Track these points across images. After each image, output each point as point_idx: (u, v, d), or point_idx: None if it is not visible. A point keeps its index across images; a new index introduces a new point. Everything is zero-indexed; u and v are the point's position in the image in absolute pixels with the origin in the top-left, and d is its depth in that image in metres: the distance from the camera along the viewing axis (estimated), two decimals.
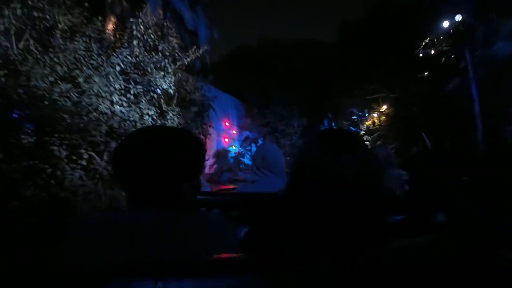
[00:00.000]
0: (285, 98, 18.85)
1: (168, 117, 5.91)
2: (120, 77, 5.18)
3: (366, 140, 18.83)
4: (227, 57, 27.60)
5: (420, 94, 15.52)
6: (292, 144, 18.43)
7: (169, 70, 6.31)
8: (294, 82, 19.94)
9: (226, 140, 22.19)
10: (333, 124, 20.88)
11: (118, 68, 5.26)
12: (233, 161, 20.52)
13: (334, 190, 0.74)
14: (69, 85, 4.48)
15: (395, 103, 18.09)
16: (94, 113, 4.54)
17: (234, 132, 23.43)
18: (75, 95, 4.48)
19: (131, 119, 5.15)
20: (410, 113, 16.57)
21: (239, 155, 20.68)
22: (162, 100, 6.16)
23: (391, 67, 16.81)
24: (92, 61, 5.09)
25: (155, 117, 5.70)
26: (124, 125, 5.08)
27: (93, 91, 4.65)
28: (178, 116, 6.49)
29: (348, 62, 20.37)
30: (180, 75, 7.12)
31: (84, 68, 4.86)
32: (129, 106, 5.18)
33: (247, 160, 22.08)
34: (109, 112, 4.80)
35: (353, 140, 0.84)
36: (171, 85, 6.32)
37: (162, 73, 6.03)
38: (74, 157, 4.75)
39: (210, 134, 10.29)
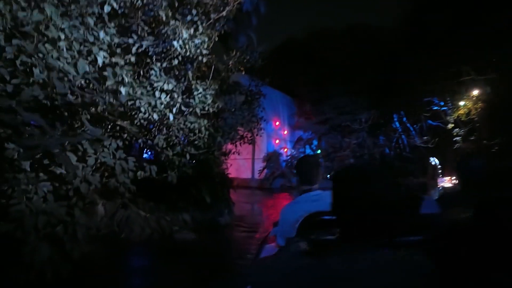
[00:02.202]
0: (345, 89, 15.64)
1: (197, 97, 3.73)
2: (110, 24, 3.08)
3: (458, 135, 14.77)
4: (273, 52, 25.39)
5: None
6: (359, 144, 15.12)
7: (200, 28, 4.06)
8: (354, 70, 16.63)
9: (277, 141, 19.84)
10: (404, 119, 17.09)
11: (106, 8, 3.17)
12: (285, 165, 18.02)
13: None
14: None
15: (493, 87, 13.80)
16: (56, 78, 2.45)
17: (286, 132, 20.96)
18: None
19: (135, 95, 3.04)
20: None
21: (293, 158, 17.99)
22: (189, 72, 3.96)
23: (483, 40, 12.74)
24: None
25: (176, 95, 3.53)
26: (122, 106, 2.96)
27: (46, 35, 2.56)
28: (214, 98, 4.27)
29: (421, 40, 16.47)
30: (217, 38, 4.95)
31: None
32: (128, 72, 3.09)
33: None
34: (88, 79, 2.72)
35: None
36: (203, 49, 4.08)
37: (188, 30, 3.80)
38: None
39: (262, 130, 7.91)
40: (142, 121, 3.58)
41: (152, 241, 4.63)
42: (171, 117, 3.54)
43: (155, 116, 3.42)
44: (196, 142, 4.29)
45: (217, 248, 4.59)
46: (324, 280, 0.67)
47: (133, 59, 3.41)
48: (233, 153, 8.72)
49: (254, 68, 6.68)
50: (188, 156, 4.38)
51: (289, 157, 18.48)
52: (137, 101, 3.19)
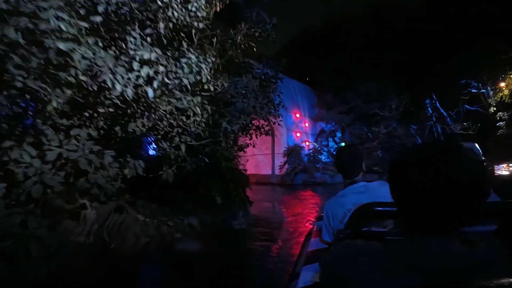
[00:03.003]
0: (372, 74, 14.18)
1: (187, 65, 2.80)
2: None
3: (501, 119, 12.91)
4: (290, 43, 24.39)
5: None
6: (389, 133, 13.64)
7: None
8: (380, 53, 15.12)
9: (298, 134, 18.70)
10: (437, 104, 15.36)
11: None
12: (307, 160, 16.88)
13: None
14: None
15: None
16: None
17: (307, 125, 19.77)
18: None
19: (97, 63, 2.19)
20: None
21: (315, 152, 16.84)
22: (183, 43, 3.05)
23: None
24: None
25: (161, 68, 2.65)
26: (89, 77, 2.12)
27: None
28: (215, 74, 3.34)
29: (453, 15, 14.77)
30: (220, 7, 4.01)
31: None
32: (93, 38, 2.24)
33: (324, 158, 18.20)
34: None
35: None
36: (199, 13, 3.16)
37: None
38: None
39: (280, 118, 6.90)
40: (115, 101, 2.74)
41: (147, 253, 3.79)
42: (150, 93, 2.66)
43: (129, 92, 2.56)
44: (193, 129, 3.38)
45: (225, 263, 3.63)
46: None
47: (98, 19, 2.54)
48: (248, 145, 7.80)
49: (267, 47, 5.69)
50: (183, 148, 3.49)
51: (311, 151, 17.33)
52: (105, 75, 2.35)
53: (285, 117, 18.89)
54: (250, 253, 4.01)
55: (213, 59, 3.27)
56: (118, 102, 2.74)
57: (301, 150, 16.76)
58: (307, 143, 18.16)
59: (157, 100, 2.79)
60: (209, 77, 3.09)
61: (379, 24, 17.53)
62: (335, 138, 19.13)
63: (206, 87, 3.23)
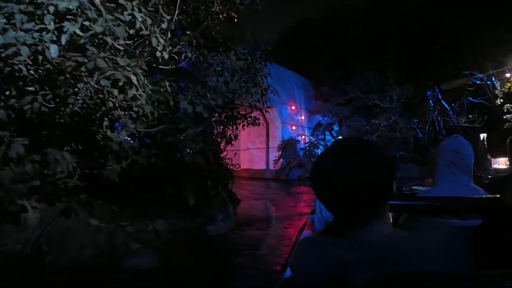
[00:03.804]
0: (372, 64, 13.33)
1: (129, 20, 1.96)
2: None
3: (508, 112, 12.13)
4: (287, 32, 23.40)
5: None
6: (389, 126, 12.83)
7: None
8: (380, 42, 14.22)
9: (293, 128, 17.85)
10: (439, 96, 14.54)
11: None
12: (303, 154, 16.06)
13: None
14: None
15: None
16: None
17: (303, 117, 18.90)
18: None
19: None
20: None
21: (311, 146, 16.03)
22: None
23: None
24: None
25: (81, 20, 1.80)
26: None
27: None
28: (168, 34, 2.46)
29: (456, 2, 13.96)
30: None
31: None
32: None
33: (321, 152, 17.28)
34: None
35: None
36: None
37: None
38: None
39: (269, 105, 6.03)
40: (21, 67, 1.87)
41: (84, 270, 2.96)
42: (53, 52, 1.81)
43: (23, 52, 1.70)
44: (135, 109, 2.52)
45: None
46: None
47: None
48: (235, 138, 6.97)
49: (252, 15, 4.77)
50: (124, 135, 2.63)
51: (307, 144, 16.51)
52: None
53: (280, 109, 18.04)
54: (222, 269, 3.18)
55: (168, 17, 2.40)
56: (24, 68, 1.89)
57: (296, 144, 15.95)
58: (303, 137, 17.34)
59: (60, 60, 1.94)
60: (161, 42, 2.22)
61: (380, 13, 16.59)
62: (332, 132, 18.34)
63: (159, 54, 2.37)
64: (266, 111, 6.27)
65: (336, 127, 17.66)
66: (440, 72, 13.76)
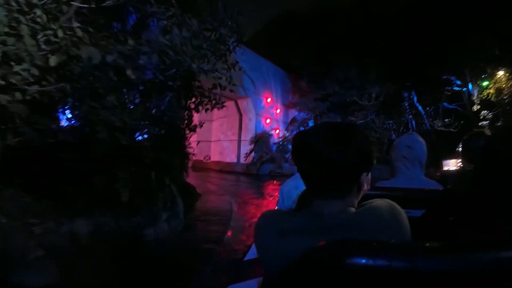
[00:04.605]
0: (352, 60, 12.88)
1: None
2: None
3: (485, 119, 12.24)
4: (270, 23, 22.61)
5: None
6: (366, 124, 12.47)
7: None
8: (362, 40, 13.86)
9: (268, 121, 17.10)
10: (415, 99, 14.50)
11: None
12: (275, 149, 15.40)
13: None
14: None
15: None
16: None
17: (278, 111, 18.19)
18: None
19: None
20: None
21: (285, 141, 15.40)
22: None
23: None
24: None
25: None
26: None
27: None
28: None
29: (438, 10, 13.92)
30: None
31: None
32: None
33: None
34: None
35: None
36: None
37: None
38: None
39: (234, 84, 5.12)
40: None
41: None
42: None
43: None
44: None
45: None
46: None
47: None
48: (199, 125, 6.07)
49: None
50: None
51: (280, 139, 15.86)
52: None
53: (255, 100, 17.19)
54: None
55: None
56: None
57: (270, 138, 15.24)
58: (277, 131, 16.67)
59: None
60: None
61: (365, 10, 16.23)
62: (307, 128, 17.85)
63: None
64: (231, 90, 5.35)
65: (311, 123, 17.16)
66: (419, 74, 13.68)
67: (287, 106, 18.41)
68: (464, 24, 12.73)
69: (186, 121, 5.78)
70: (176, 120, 5.55)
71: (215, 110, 5.75)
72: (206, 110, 5.60)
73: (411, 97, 14.76)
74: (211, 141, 19.19)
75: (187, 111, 5.63)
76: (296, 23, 20.34)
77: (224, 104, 6.05)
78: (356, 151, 0.72)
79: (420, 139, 1.61)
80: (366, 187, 0.79)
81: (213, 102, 5.73)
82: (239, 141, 16.85)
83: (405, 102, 14.60)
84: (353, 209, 0.75)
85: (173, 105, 4.98)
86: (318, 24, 17.88)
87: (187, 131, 5.93)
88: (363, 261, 0.52)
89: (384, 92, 12.29)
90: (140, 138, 4.39)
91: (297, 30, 19.29)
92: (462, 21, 12.78)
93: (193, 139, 6.45)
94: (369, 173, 0.79)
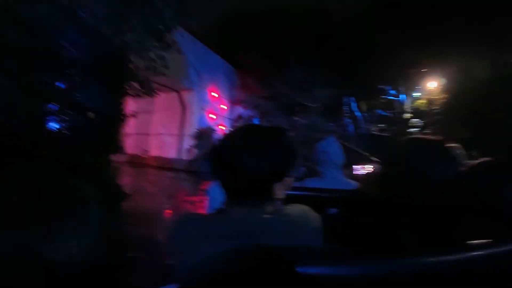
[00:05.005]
0: (301, 61, 13.14)
1: None
2: None
3: (415, 126, 13.54)
4: (223, 17, 22.20)
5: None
6: (310, 125, 12.77)
7: None
8: (313, 41, 14.22)
9: (213, 116, 16.39)
10: (354, 105, 15.47)
11: None
12: None
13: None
14: None
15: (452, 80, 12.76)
16: None
17: (224, 107, 17.62)
18: None
19: None
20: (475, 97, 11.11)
21: None
22: None
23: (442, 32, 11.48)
24: None
25: None
26: None
27: None
28: None
29: (379, 27, 14.98)
30: None
31: None
32: None
33: None
34: None
35: (445, 151, 0.91)
36: None
37: None
38: None
39: (167, 62, 4.41)
40: None
41: None
42: None
43: None
44: None
45: None
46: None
47: None
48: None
49: None
50: None
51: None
52: None
53: (200, 94, 16.36)
54: None
55: None
56: None
57: (213, 134, 14.59)
58: (222, 128, 16.11)
59: None
60: None
61: (319, 15, 16.71)
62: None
63: None
64: (166, 66, 4.61)
65: (256, 120, 17.05)
66: (359, 82, 14.54)
67: (233, 103, 17.97)
68: (401, 39, 13.80)
69: (117, 109, 4.87)
70: (104, 107, 4.61)
71: (157, 100, 5.03)
72: (138, 96, 4.79)
73: (351, 102, 15.68)
74: (150, 135, 17.73)
75: (118, 98, 4.75)
76: (249, 20, 20.08)
77: (158, 91, 5.30)
78: (272, 160, 0.73)
79: (336, 143, 1.73)
80: (283, 192, 0.78)
81: (146, 88, 4.92)
82: (181, 136, 15.86)
83: (345, 107, 15.46)
84: (266, 215, 0.76)
85: (97, 88, 4.08)
86: (271, 23, 17.83)
87: (121, 122, 5.02)
88: (270, 266, 0.51)
89: (327, 96, 12.75)
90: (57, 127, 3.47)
91: (250, 27, 19.02)
92: (399, 36, 13.85)
93: (131, 131, 5.57)
94: (290, 177, 0.78)
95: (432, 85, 13.43)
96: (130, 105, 5.44)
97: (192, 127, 15.19)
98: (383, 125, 13.80)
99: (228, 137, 0.79)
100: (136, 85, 4.65)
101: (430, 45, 12.87)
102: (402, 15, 14.04)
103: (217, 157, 0.76)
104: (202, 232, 0.72)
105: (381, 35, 14.38)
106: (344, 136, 14.54)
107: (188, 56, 13.21)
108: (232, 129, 0.82)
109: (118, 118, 5.16)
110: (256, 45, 16.46)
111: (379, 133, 13.53)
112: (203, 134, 14.37)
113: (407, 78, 14.39)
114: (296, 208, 0.80)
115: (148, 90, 4.92)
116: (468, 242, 0.58)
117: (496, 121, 9.93)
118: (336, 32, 15.47)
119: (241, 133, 0.78)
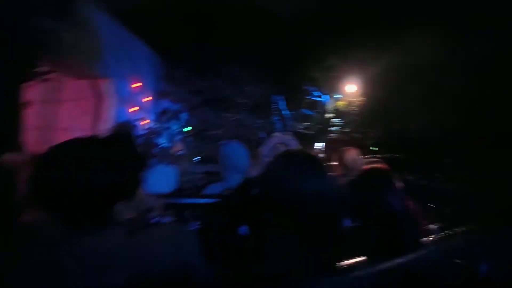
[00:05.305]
0: (234, 57, 12.96)
1: None
2: None
3: (336, 125, 14.53)
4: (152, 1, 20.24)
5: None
6: (237, 122, 12.65)
7: None
8: (247, 37, 14.14)
9: (134, 109, 14.84)
10: (281, 103, 15.98)
11: None
12: (141, 142, 13.53)
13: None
14: None
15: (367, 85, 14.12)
16: None
17: (148, 99, 16.15)
18: None
19: None
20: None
21: (151, 133, 13.81)
22: None
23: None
24: None
25: None
26: None
27: None
28: None
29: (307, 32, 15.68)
30: None
31: None
32: None
33: (164, 142, 15.38)
34: None
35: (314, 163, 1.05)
36: None
37: None
38: None
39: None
40: None
41: None
42: None
43: None
44: None
45: None
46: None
47: None
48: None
49: None
50: None
51: (147, 131, 14.13)
52: None
53: (119, 83, 14.59)
54: None
55: None
56: None
57: (133, 130, 13.24)
58: (145, 122, 14.78)
59: None
60: None
61: (257, 14, 16.56)
62: (180, 121, 16.82)
63: None
64: (79, 63, 3.76)
65: (184, 116, 16.24)
66: (287, 82, 14.99)
67: (160, 95, 16.69)
68: (327, 46, 14.60)
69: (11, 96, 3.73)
70: None
71: (66, 90, 4.09)
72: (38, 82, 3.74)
73: (279, 100, 16.12)
74: (58, 129, 15.22)
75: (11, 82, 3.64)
76: (182, 6, 18.87)
77: (48, 76, 4.29)
78: (105, 175, 0.67)
79: (240, 148, 1.73)
80: (134, 215, 0.71)
81: (35, 71, 3.94)
82: (95, 131, 14.02)
83: (273, 105, 15.84)
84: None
85: None
86: (206, 13, 17.10)
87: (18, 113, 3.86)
88: None
89: (257, 93, 12.81)
90: None
91: (183, 14, 17.94)
92: (326, 43, 14.65)
93: (33, 124, 4.48)
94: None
95: (352, 89, 14.57)
96: (30, 92, 4.38)
97: (108, 121, 13.50)
98: (308, 124, 14.57)
99: (52, 152, 0.71)
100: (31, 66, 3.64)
101: (351, 54, 13.92)
102: (330, 25, 14.94)
103: (43, 178, 0.66)
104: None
105: (311, 40, 15.08)
106: (272, 133, 14.90)
107: (105, 38, 11.62)
108: (54, 144, 0.72)
109: (12, 107, 4.00)
110: (187, 34, 15.63)
111: (304, 131, 14.23)
112: (121, 129, 12.93)
113: (330, 81, 15.42)
114: (159, 229, 0.80)
115: (39, 75, 3.93)
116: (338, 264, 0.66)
117: (399, 123, 11.22)
118: (271, 32, 15.70)
119: (71, 146, 0.72)
